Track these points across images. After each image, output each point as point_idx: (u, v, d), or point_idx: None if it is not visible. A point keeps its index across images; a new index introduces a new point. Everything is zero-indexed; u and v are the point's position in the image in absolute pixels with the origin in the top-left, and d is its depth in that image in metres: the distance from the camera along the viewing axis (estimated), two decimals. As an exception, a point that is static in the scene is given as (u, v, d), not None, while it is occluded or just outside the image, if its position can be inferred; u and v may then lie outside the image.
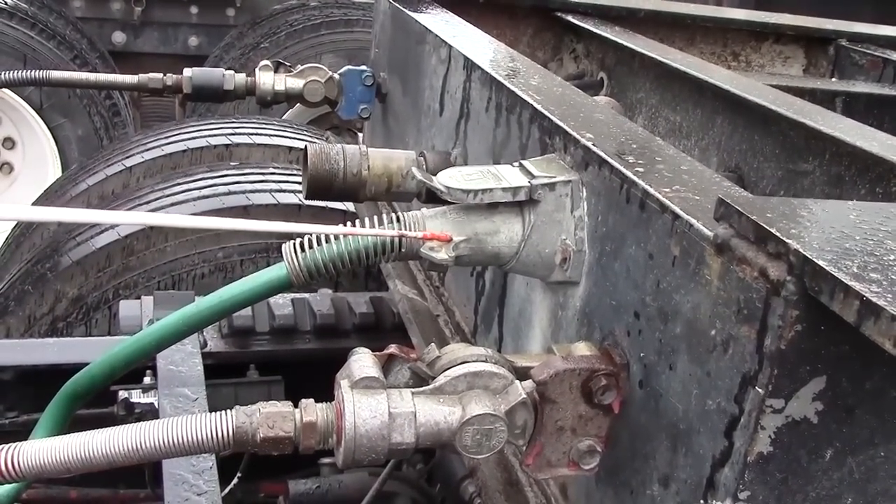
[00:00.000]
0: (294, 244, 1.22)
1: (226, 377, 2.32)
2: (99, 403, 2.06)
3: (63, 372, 1.50)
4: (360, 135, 2.99)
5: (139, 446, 0.97)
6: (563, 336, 1.26)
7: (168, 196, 3.22)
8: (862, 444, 0.85)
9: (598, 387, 1.05)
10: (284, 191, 3.19)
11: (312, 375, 1.58)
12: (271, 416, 1.00)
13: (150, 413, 2.06)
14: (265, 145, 3.78)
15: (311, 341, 2.47)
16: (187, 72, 2.54)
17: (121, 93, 5.86)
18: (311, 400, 1.04)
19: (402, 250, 1.21)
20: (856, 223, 0.87)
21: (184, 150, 3.72)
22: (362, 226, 1.21)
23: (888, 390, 0.83)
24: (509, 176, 1.20)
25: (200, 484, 1.67)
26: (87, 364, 1.41)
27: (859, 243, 0.81)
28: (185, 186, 3.26)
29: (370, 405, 1.00)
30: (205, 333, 2.35)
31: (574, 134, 1.23)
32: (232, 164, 3.56)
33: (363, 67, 2.44)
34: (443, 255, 1.19)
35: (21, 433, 1.97)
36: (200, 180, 3.31)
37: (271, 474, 2.42)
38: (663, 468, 0.99)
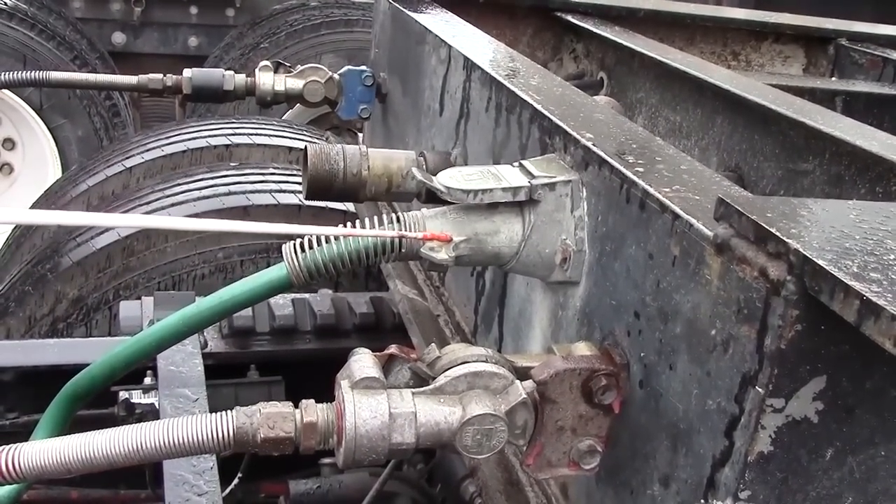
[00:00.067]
0: (294, 244, 1.22)
1: (226, 377, 2.32)
2: (99, 404, 2.06)
3: (63, 373, 1.50)
4: (360, 135, 2.99)
5: (140, 447, 0.97)
6: (563, 336, 1.26)
7: (168, 197, 3.22)
8: (862, 444, 0.85)
9: (599, 387, 1.05)
10: (284, 191, 3.19)
11: (313, 376, 1.58)
12: (272, 417, 1.00)
13: (151, 414, 2.06)
14: (265, 145, 3.78)
15: (312, 341, 2.47)
16: (187, 72, 2.54)
17: (121, 93, 5.86)
18: (312, 400, 1.04)
19: (403, 250, 1.21)
20: (856, 223, 0.87)
21: (184, 151, 3.72)
22: (362, 226, 1.21)
23: (888, 390, 0.83)
24: (509, 176, 1.20)
25: (201, 484, 1.67)
26: (87, 365, 1.41)
27: (859, 243, 0.81)
28: (185, 187, 3.26)
29: (370, 405, 1.00)
30: (205, 334, 2.35)
31: (574, 134, 1.23)
32: (232, 164, 3.56)
33: (363, 67, 2.44)
34: (443, 255, 1.19)
35: (21, 434, 1.98)
36: (200, 181, 3.31)
37: (272, 474, 2.42)
38: (664, 468, 0.99)
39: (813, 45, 2.83)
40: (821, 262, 0.75)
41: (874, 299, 0.69)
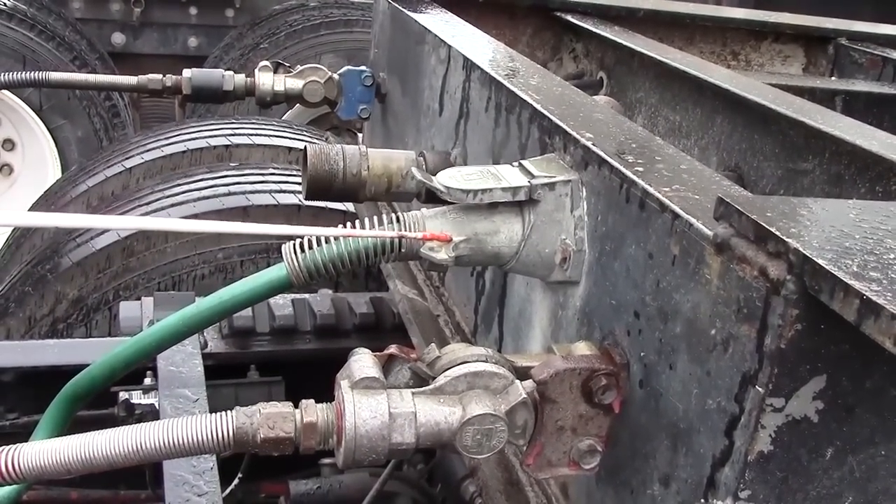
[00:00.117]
0: (294, 245, 1.22)
1: (226, 378, 2.32)
2: (99, 405, 2.06)
3: (63, 373, 1.50)
4: (360, 135, 2.99)
5: (139, 447, 0.97)
6: (563, 336, 1.26)
7: (168, 197, 3.22)
8: (862, 443, 0.85)
9: (599, 386, 1.05)
10: (284, 191, 3.19)
11: (313, 376, 1.58)
12: (272, 417, 1.00)
13: (151, 414, 2.06)
14: (265, 146, 3.78)
15: (312, 342, 2.47)
16: (187, 73, 2.54)
17: (120, 94, 5.86)
18: (312, 400, 1.04)
19: (402, 250, 1.21)
20: (855, 222, 0.87)
21: (183, 151, 3.72)
22: (362, 226, 1.21)
23: (888, 389, 0.83)
24: (509, 176, 1.20)
25: (201, 485, 1.67)
26: (87, 365, 1.41)
27: (859, 242, 0.81)
28: (184, 187, 3.26)
29: (370, 405, 1.00)
30: (205, 334, 2.35)
31: (574, 133, 1.23)
32: (232, 164, 3.56)
33: (362, 68, 2.44)
34: (443, 255, 1.19)
35: (21, 435, 1.98)
36: (200, 181, 3.31)
37: (272, 475, 2.42)
38: (664, 467, 0.99)
39: (812, 45, 2.83)
40: (821, 262, 0.75)
41: (874, 298, 0.69)
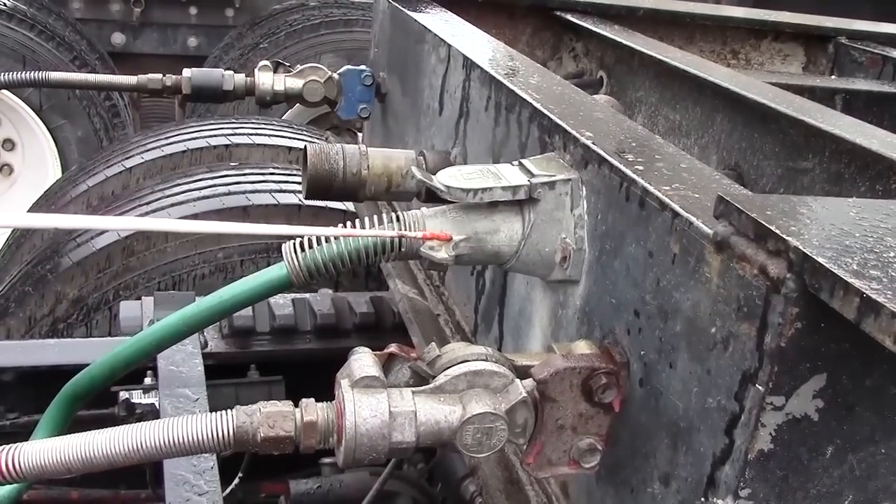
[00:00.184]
0: (294, 244, 1.22)
1: (226, 377, 2.32)
2: (100, 404, 2.06)
3: (63, 373, 1.50)
4: (360, 134, 2.99)
5: (140, 446, 0.97)
6: (563, 335, 1.26)
7: (168, 197, 3.22)
8: (862, 442, 0.85)
9: (599, 385, 1.05)
10: (284, 191, 3.18)
11: (313, 375, 1.58)
12: (272, 416, 1.00)
13: (151, 414, 2.06)
14: (265, 145, 3.78)
15: (312, 341, 2.47)
16: (186, 72, 2.54)
17: (120, 94, 5.86)
18: (312, 399, 1.04)
19: (402, 250, 1.21)
20: (855, 220, 0.87)
21: (183, 151, 3.72)
22: (362, 226, 1.21)
23: (888, 387, 0.83)
24: (509, 175, 1.20)
25: (201, 484, 1.67)
26: (87, 365, 1.41)
27: (859, 240, 0.81)
28: (184, 187, 3.26)
29: (371, 404, 1.00)
30: (205, 334, 2.35)
31: (573, 132, 1.23)
32: (232, 164, 3.56)
33: (362, 67, 2.44)
34: (443, 254, 1.19)
35: (21, 434, 1.98)
36: (200, 181, 3.31)
37: (272, 474, 2.42)
38: (664, 466, 0.99)
39: (812, 44, 2.83)
40: (821, 260, 0.75)
41: (874, 297, 0.69)
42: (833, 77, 2.75)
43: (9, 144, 5.80)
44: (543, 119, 1.34)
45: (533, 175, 1.19)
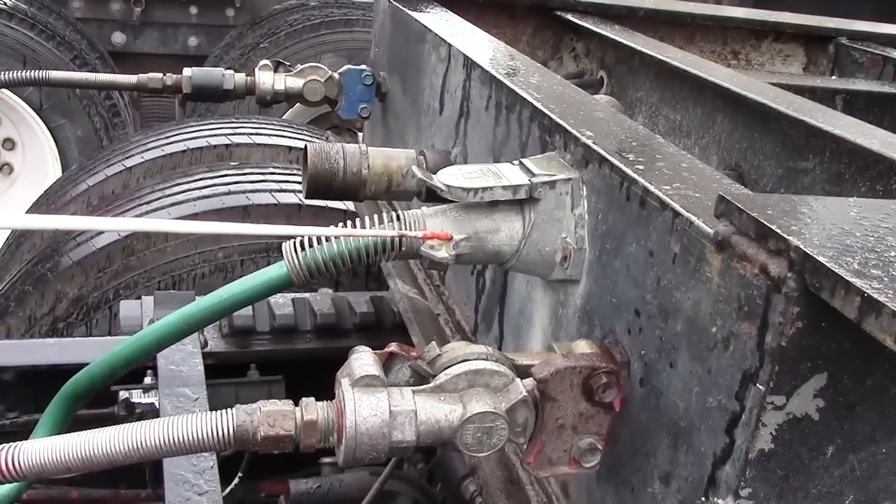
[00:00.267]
0: (294, 243, 1.22)
1: (226, 377, 2.32)
2: (99, 404, 2.06)
3: (63, 372, 1.50)
4: (360, 134, 2.99)
5: (140, 445, 0.97)
6: (563, 334, 1.26)
7: (168, 196, 3.22)
8: (863, 441, 0.85)
9: (599, 384, 1.05)
10: (284, 190, 3.18)
11: (313, 375, 1.58)
12: (272, 415, 1.00)
13: (151, 413, 2.06)
14: (265, 145, 3.78)
15: (312, 341, 2.47)
16: (187, 71, 2.54)
17: (120, 93, 5.86)
18: (312, 398, 1.04)
19: (403, 249, 1.21)
20: (856, 220, 0.87)
21: (184, 151, 3.72)
22: (363, 225, 1.21)
23: (889, 387, 0.83)
24: (509, 174, 1.20)
25: (201, 483, 1.67)
26: (87, 364, 1.41)
27: (860, 240, 0.81)
28: (184, 186, 3.26)
29: (371, 403, 1.00)
30: (205, 333, 2.35)
31: (574, 132, 1.23)
32: (232, 163, 3.56)
33: (363, 67, 2.44)
34: (443, 253, 1.19)
35: (21, 434, 1.97)
36: (200, 180, 3.31)
37: (272, 474, 2.42)
38: (664, 466, 0.99)
39: (813, 44, 2.83)
40: (821, 259, 0.75)
41: (875, 296, 0.69)
42: (833, 77, 2.75)
43: (9, 144, 5.80)
44: (544, 118, 1.34)
45: (533, 174, 1.19)
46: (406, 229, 1.20)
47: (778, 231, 0.80)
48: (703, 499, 0.91)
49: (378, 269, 2.74)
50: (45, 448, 0.98)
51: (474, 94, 1.67)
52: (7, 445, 0.99)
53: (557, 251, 1.21)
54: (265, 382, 2.38)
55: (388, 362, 1.07)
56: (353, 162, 1.66)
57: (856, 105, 2.20)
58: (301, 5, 6.36)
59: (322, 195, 1.70)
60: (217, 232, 1.40)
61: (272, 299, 2.46)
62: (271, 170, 3.41)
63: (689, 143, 2.12)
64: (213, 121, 4.21)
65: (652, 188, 1.02)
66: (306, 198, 1.70)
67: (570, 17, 2.60)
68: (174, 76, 2.56)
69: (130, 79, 2.64)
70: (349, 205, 2.97)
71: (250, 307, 2.40)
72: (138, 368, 2.13)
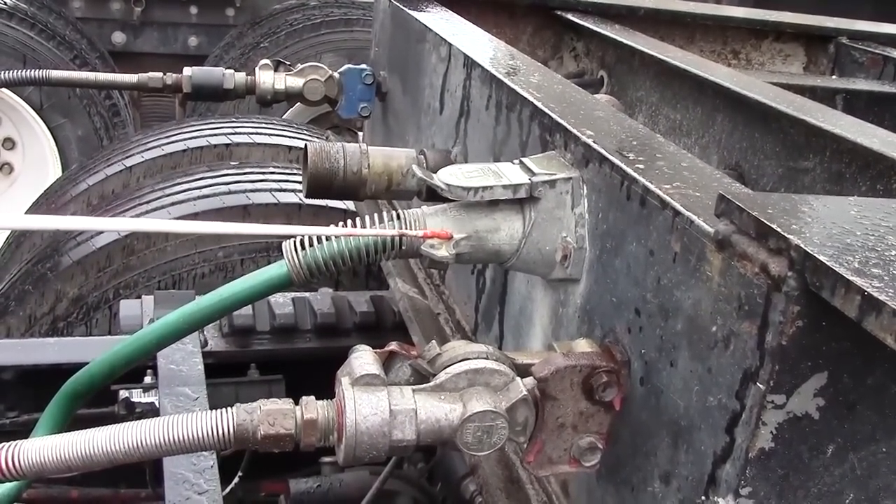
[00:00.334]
0: (294, 242, 1.22)
1: (226, 376, 2.32)
2: (99, 403, 2.06)
3: (63, 371, 1.50)
4: (361, 134, 2.99)
5: (140, 444, 0.97)
6: (563, 333, 1.26)
7: (168, 196, 3.22)
8: (863, 440, 0.85)
9: (599, 383, 1.05)
10: (285, 190, 3.18)
11: (313, 374, 1.58)
12: (272, 414, 1.00)
13: (151, 412, 2.06)
14: (265, 144, 3.78)
15: (312, 340, 2.47)
16: (187, 71, 2.54)
17: (120, 93, 5.86)
18: (312, 397, 1.04)
19: (403, 248, 1.21)
20: (857, 219, 0.87)
21: (184, 150, 3.72)
22: (363, 224, 1.21)
23: (890, 386, 0.83)
24: (510, 173, 1.20)
25: (201, 483, 1.67)
26: (87, 364, 1.41)
27: (860, 239, 0.81)
28: (185, 186, 3.26)
29: (371, 402, 1.00)
30: (205, 332, 2.35)
31: (574, 131, 1.23)
32: (232, 163, 3.56)
33: (363, 66, 2.44)
34: (443, 252, 1.19)
35: (21, 433, 1.97)
36: (200, 180, 3.31)
37: (272, 473, 2.42)
38: (664, 465, 0.98)
39: (813, 44, 2.83)
40: (822, 258, 0.75)
41: (875, 295, 0.69)
42: (834, 77, 2.75)
43: (9, 143, 5.80)
44: (544, 118, 1.34)
45: (534, 174, 1.19)
46: (406, 228, 1.20)
47: (778, 230, 0.80)
48: (703, 498, 0.91)
49: (378, 269, 2.74)
50: (45, 447, 0.98)
51: (474, 93, 1.67)
52: (7, 444, 0.99)
53: (558, 250, 1.21)
54: (265, 382, 2.38)
55: (388, 361, 1.07)
56: (354, 161, 1.66)
57: (856, 105, 2.20)
58: (301, 5, 6.37)
59: (322, 194, 1.70)
60: (217, 232, 1.40)
61: (272, 299, 2.46)
62: (271, 169, 3.41)
63: (689, 143, 2.12)
64: (213, 120, 4.21)
65: (652, 187, 1.02)
66: (306, 197, 1.70)
67: (570, 16, 2.60)
68: (174, 75, 2.56)
69: (130, 78, 2.64)
70: (349, 204, 2.97)
71: (250, 307, 2.40)
72: (138, 368, 2.13)
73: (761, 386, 0.82)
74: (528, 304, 1.40)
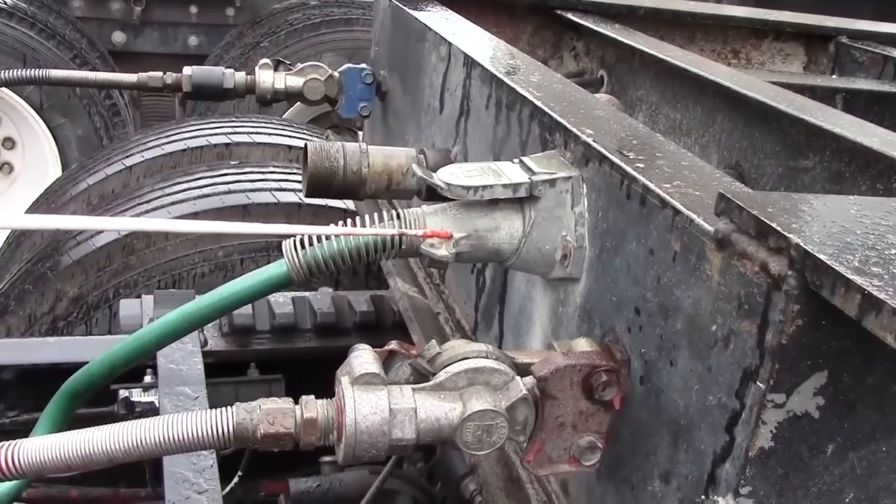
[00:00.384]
0: (294, 241, 1.22)
1: (226, 376, 2.32)
2: (99, 402, 2.06)
3: (63, 371, 1.50)
4: (361, 133, 2.99)
5: (140, 443, 0.97)
6: (563, 332, 1.26)
7: (168, 195, 3.22)
8: (863, 440, 0.85)
9: (599, 383, 1.05)
10: (284, 189, 3.18)
11: (313, 374, 1.58)
12: (272, 413, 1.00)
13: (151, 412, 2.06)
14: (265, 144, 3.78)
15: (312, 340, 2.47)
16: (187, 70, 2.53)
17: (120, 92, 5.86)
18: (312, 396, 1.04)
19: (403, 247, 1.21)
20: (857, 218, 0.87)
21: (184, 150, 3.72)
22: (362, 223, 1.21)
23: (889, 385, 0.83)
24: (509, 172, 1.20)
25: (201, 482, 1.67)
26: (87, 363, 1.41)
27: (860, 238, 0.81)
28: (184, 185, 3.26)
29: (371, 401, 1.00)
30: (205, 332, 2.35)
31: (574, 130, 1.23)
32: (232, 162, 3.56)
33: (363, 65, 2.44)
34: (443, 251, 1.19)
35: (21, 432, 1.97)
36: (200, 179, 3.31)
37: (272, 473, 2.42)
38: (664, 464, 0.98)
39: (813, 43, 2.83)
40: (822, 257, 0.75)
41: (875, 293, 0.69)
42: (834, 77, 2.75)
43: (9, 143, 5.80)
44: (544, 117, 1.34)
45: (534, 173, 1.19)
46: (406, 227, 1.20)
47: (778, 229, 0.80)
48: (703, 497, 0.91)
49: (378, 268, 2.74)
50: (45, 446, 0.98)
51: (474, 92, 1.67)
52: (6, 443, 0.98)
53: (557, 249, 1.21)
54: (265, 381, 2.38)
55: (388, 360, 1.07)
56: (353, 160, 1.65)
57: (856, 104, 2.20)
58: (301, 4, 6.37)
59: (322, 194, 1.70)
60: (217, 231, 1.40)
61: (272, 298, 2.46)
62: (271, 169, 3.41)
63: (689, 142, 2.12)
64: (213, 120, 4.21)
65: (652, 186, 1.02)
66: (306, 196, 1.70)
67: (570, 15, 2.60)
68: (174, 75, 2.56)
69: (131, 77, 2.64)
70: (349, 203, 2.97)
71: (250, 306, 2.40)
72: (138, 367, 2.13)
73: (761, 385, 0.82)
74: (528, 304, 1.40)
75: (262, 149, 3.74)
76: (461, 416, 1.01)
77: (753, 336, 0.83)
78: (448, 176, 1.18)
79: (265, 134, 3.87)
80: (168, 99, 6.15)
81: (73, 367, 1.44)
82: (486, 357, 1.05)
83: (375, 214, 1.23)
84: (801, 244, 0.77)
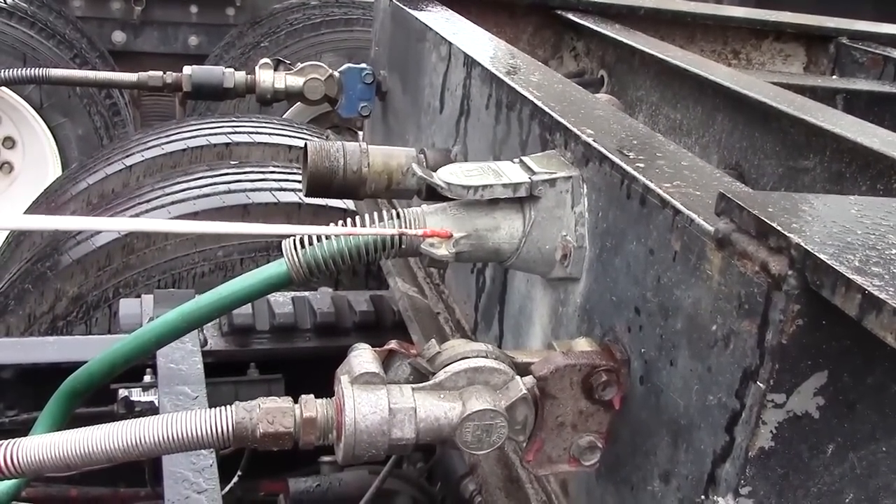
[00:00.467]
0: (294, 241, 1.22)
1: (226, 375, 2.32)
2: (99, 401, 2.06)
3: (63, 370, 1.50)
4: (361, 133, 2.99)
5: (139, 442, 0.97)
6: (563, 332, 1.26)
7: (168, 195, 3.22)
8: (863, 440, 0.85)
9: (599, 382, 1.05)
10: (284, 189, 3.18)
11: (313, 374, 1.58)
12: (271, 412, 1.00)
13: (151, 411, 2.06)
14: (265, 144, 3.78)
15: (312, 339, 2.47)
16: (187, 70, 2.53)
17: (121, 92, 5.86)
18: (311, 396, 1.04)
19: (403, 247, 1.21)
20: (857, 218, 0.87)
21: (184, 149, 3.72)
22: (362, 223, 1.21)
23: (890, 385, 0.83)
24: (509, 172, 1.20)
25: (200, 482, 1.67)
26: (86, 362, 1.41)
27: (861, 237, 0.81)
28: (184, 185, 3.26)
29: (370, 401, 0.99)
30: (205, 332, 2.35)
31: (574, 130, 1.22)
32: (232, 162, 3.56)
33: (363, 65, 2.44)
34: (443, 251, 1.19)
35: (21, 432, 1.97)
36: (200, 179, 3.30)
37: (271, 473, 2.42)
38: (664, 464, 0.98)
39: (814, 44, 2.83)
40: (822, 257, 0.74)
41: (876, 293, 0.69)
42: (834, 77, 2.75)
43: (9, 142, 5.80)
44: (544, 117, 1.34)
45: (534, 172, 1.19)
46: (406, 227, 1.20)
47: (778, 228, 0.80)
48: (702, 497, 0.91)
49: (378, 268, 2.74)
50: (44, 445, 0.98)
51: (475, 92, 1.67)
52: (6, 442, 0.98)
53: (557, 249, 1.20)
54: (265, 381, 2.37)
55: (387, 360, 1.07)
56: (353, 160, 1.65)
57: (856, 104, 2.20)
58: (301, 4, 6.37)
59: (322, 193, 1.70)
60: (217, 231, 1.40)
61: (272, 298, 2.46)
62: (271, 168, 3.41)
63: (689, 142, 2.12)
64: (213, 119, 4.21)
65: (652, 186, 1.02)
66: (306, 196, 1.70)
67: (570, 15, 2.60)
68: (174, 74, 2.56)
69: (131, 77, 2.64)
70: (349, 203, 2.97)
71: (250, 305, 2.40)
72: (138, 366, 2.13)
73: (761, 385, 0.82)
74: (528, 303, 1.40)
75: (262, 149, 3.74)
76: (461, 415, 1.01)
77: (753, 336, 0.83)
78: (448, 175, 1.18)
79: (265, 134, 3.87)
80: (168, 99, 6.14)
81: (73, 367, 1.44)
82: (486, 356, 1.05)
83: (375, 214, 1.23)
84: (802, 244, 0.77)
